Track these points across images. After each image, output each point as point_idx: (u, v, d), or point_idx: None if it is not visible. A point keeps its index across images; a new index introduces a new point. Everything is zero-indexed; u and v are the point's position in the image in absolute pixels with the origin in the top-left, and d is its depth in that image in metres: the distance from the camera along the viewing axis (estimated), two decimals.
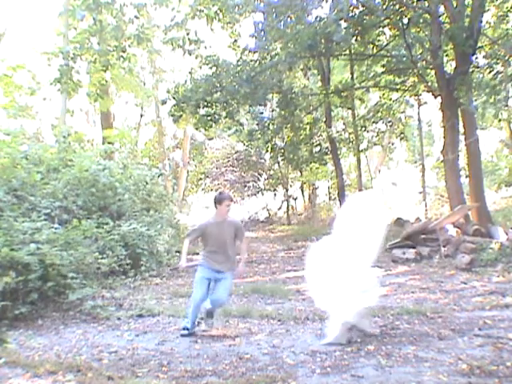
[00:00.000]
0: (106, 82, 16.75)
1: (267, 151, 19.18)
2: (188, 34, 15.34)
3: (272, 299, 6.56)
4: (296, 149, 17.90)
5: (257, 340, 4.96)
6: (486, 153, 23.49)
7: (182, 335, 5.13)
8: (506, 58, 12.22)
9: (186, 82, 15.49)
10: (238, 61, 15.23)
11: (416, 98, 17.83)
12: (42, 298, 6.13)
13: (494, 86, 11.57)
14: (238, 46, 16.10)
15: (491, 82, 11.77)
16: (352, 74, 16.48)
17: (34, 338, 5.03)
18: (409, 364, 4.03)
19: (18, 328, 5.39)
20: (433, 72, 13.44)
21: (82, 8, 14.10)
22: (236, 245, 5.41)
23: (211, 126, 16.83)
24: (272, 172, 23.32)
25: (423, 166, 20.78)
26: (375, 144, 20.20)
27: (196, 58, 15.74)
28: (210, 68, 15.02)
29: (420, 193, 21.27)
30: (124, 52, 14.91)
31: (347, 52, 15.26)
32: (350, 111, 18.38)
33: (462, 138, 13.44)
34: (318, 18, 12.73)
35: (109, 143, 14.71)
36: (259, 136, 17.70)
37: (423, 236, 11.01)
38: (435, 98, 13.34)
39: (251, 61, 14.89)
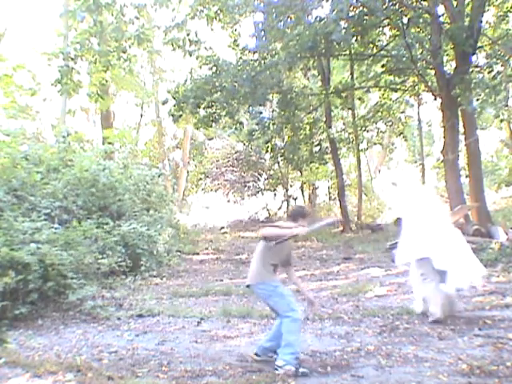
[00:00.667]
0: (107, 81, 16.75)
1: (267, 151, 19.18)
2: (188, 35, 15.33)
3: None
4: (296, 149, 17.90)
5: (257, 340, 4.96)
6: (486, 153, 23.51)
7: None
8: (506, 58, 12.21)
9: (185, 81, 15.49)
10: (237, 61, 15.22)
11: (416, 98, 17.83)
12: (42, 297, 6.13)
13: (494, 86, 11.56)
14: (238, 46, 16.09)
15: (491, 82, 11.76)
16: (352, 73, 16.49)
17: (33, 338, 5.03)
18: (409, 364, 4.03)
19: (17, 328, 5.39)
20: (433, 72, 13.44)
21: (83, 9, 14.09)
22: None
23: (211, 126, 16.83)
24: (272, 172, 23.31)
25: (423, 166, 20.78)
26: (375, 144, 20.21)
27: (196, 58, 15.73)
28: (210, 68, 15.01)
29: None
30: (124, 52, 14.90)
31: (347, 52, 15.26)
32: (349, 111, 18.38)
33: (462, 138, 13.45)
34: (318, 18, 12.72)
35: (109, 143, 14.71)
36: (259, 136, 17.70)
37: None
38: (435, 98, 13.34)
39: (251, 61, 14.88)
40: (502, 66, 12.43)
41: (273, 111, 18.33)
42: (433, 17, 12.22)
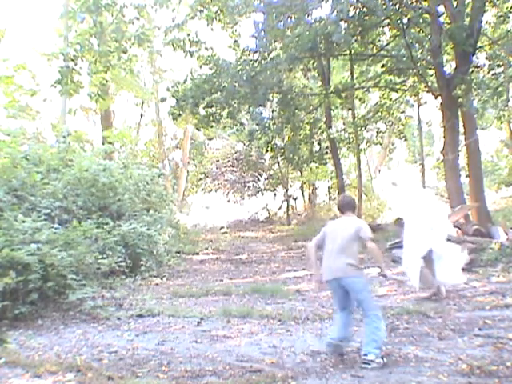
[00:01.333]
0: (107, 81, 16.76)
1: (267, 151, 19.18)
2: (189, 35, 15.35)
3: (272, 299, 6.57)
4: (296, 148, 17.90)
5: (257, 340, 4.96)
6: (486, 153, 23.51)
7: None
8: (506, 57, 12.20)
9: (185, 80, 15.48)
10: (237, 61, 15.21)
11: (416, 98, 17.82)
12: (42, 298, 6.13)
13: (496, 87, 11.56)
14: (238, 46, 16.09)
15: (493, 84, 11.75)
16: (352, 73, 16.48)
17: (34, 338, 5.03)
18: (409, 364, 4.03)
19: (18, 328, 5.39)
20: (433, 72, 13.44)
21: (82, 10, 14.10)
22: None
23: (212, 126, 16.82)
24: (272, 172, 23.31)
25: (423, 165, 20.77)
26: (375, 143, 20.20)
27: (197, 59, 15.75)
28: (210, 68, 15.02)
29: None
30: (125, 53, 14.92)
31: (347, 52, 15.26)
32: (349, 111, 18.38)
33: (462, 138, 13.44)
34: (318, 19, 12.73)
35: (109, 143, 14.72)
36: (260, 137, 17.71)
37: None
38: (435, 98, 13.33)
39: (251, 61, 14.88)
40: (502, 66, 12.42)
41: (273, 111, 18.33)
42: (433, 17, 12.21)
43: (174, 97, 15.10)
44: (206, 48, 15.65)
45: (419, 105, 18.84)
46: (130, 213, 10.46)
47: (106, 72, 14.96)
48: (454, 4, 12.25)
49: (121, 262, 8.31)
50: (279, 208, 23.68)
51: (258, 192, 23.68)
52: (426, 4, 12.69)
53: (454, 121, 12.27)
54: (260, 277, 9.45)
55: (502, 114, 14.82)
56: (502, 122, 18.28)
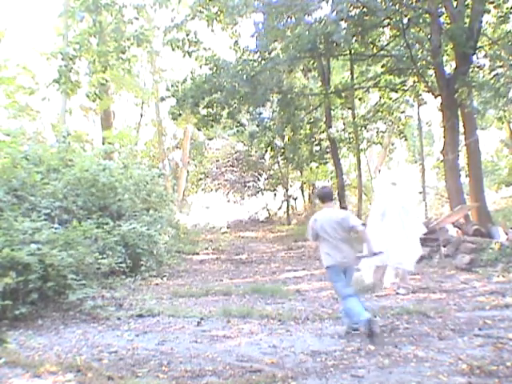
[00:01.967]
0: (106, 81, 16.76)
1: (267, 150, 19.20)
2: (188, 36, 15.35)
3: (272, 299, 6.57)
4: (296, 148, 17.91)
5: (257, 340, 4.96)
6: (486, 153, 23.52)
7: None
8: (507, 58, 12.20)
9: (185, 80, 15.49)
10: (237, 61, 15.22)
11: (416, 98, 17.83)
12: (42, 298, 6.13)
13: (498, 88, 11.55)
14: (239, 47, 16.10)
15: (495, 85, 11.74)
16: (352, 73, 16.49)
17: (33, 338, 5.03)
18: (409, 364, 4.03)
19: (18, 328, 5.39)
20: (433, 72, 13.44)
21: (82, 9, 14.11)
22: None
23: (212, 126, 16.83)
24: (272, 172, 23.32)
25: (423, 165, 20.77)
26: (375, 143, 20.20)
27: (196, 59, 15.75)
28: (210, 68, 15.02)
29: (420, 193, 21.26)
30: (124, 53, 14.92)
31: (347, 52, 15.26)
32: (349, 111, 18.38)
33: (462, 138, 13.44)
34: (318, 19, 12.72)
35: (109, 143, 14.72)
36: (260, 138, 17.72)
37: (423, 236, 11.00)
38: (435, 98, 13.34)
39: (251, 61, 14.88)
40: (502, 66, 12.42)
41: (273, 112, 18.34)
42: (433, 17, 12.22)
43: (173, 96, 15.11)
44: (205, 48, 15.67)
45: (419, 105, 18.84)
46: (130, 213, 10.45)
47: (104, 72, 14.96)
48: (454, 4, 12.25)
49: (121, 262, 8.29)
50: (279, 208, 23.70)
51: (258, 192, 23.69)
52: (425, 4, 12.69)
53: (454, 121, 12.27)
54: (260, 277, 9.45)
55: (503, 114, 14.83)
56: (503, 123, 18.29)
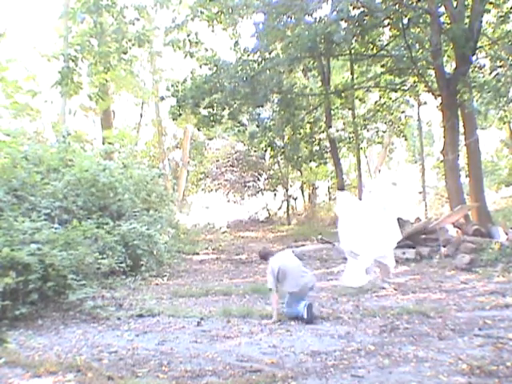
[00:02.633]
0: (107, 81, 16.76)
1: (266, 150, 19.21)
2: (189, 36, 15.35)
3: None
4: (296, 147, 17.90)
5: (257, 340, 4.96)
6: (486, 153, 23.53)
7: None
8: (507, 58, 12.21)
9: (185, 80, 15.48)
10: (237, 61, 15.21)
11: (416, 98, 17.84)
12: (42, 298, 6.13)
13: (498, 88, 11.56)
14: (239, 48, 16.09)
15: (495, 84, 11.75)
16: (352, 73, 16.49)
17: (33, 338, 5.03)
18: (409, 364, 4.03)
19: (18, 328, 5.39)
20: (433, 72, 13.44)
21: (83, 10, 14.10)
22: None
23: (213, 127, 16.82)
24: (272, 172, 23.32)
25: (423, 165, 20.78)
26: (375, 143, 20.21)
27: (197, 60, 15.75)
28: (210, 68, 15.01)
29: (420, 193, 21.27)
30: (125, 54, 14.92)
31: (347, 52, 15.26)
32: (349, 111, 18.39)
33: (462, 138, 13.45)
34: (318, 19, 12.73)
35: (109, 143, 14.72)
36: (260, 139, 17.71)
37: (423, 236, 11.02)
38: (435, 98, 13.34)
39: (251, 61, 14.88)
40: (502, 66, 12.43)
41: (273, 111, 18.34)
42: (433, 17, 12.22)
43: (173, 96, 15.10)
44: (206, 49, 15.66)
45: (419, 105, 18.85)
46: (130, 213, 10.45)
47: (106, 73, 14.97)
48: (454, 4, 12.25)
49: (121, 262, 8.30)
50: (279, 208, 23.70)
51: (258, 192, 23.69)
52: (425, 4, 12.69)
53: (454, 121, 12.27)
54: (260, 277, 9.43)
55: (503, 114, 14.84)
56: (504, 123, 18.31)
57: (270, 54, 14.93)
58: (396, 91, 17.01)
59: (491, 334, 4.79)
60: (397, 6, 12.45)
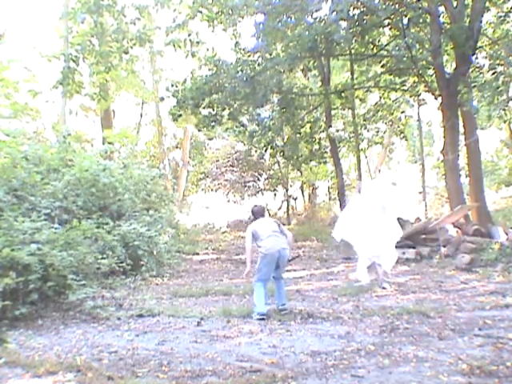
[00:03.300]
0: (107, 81, 16.76)
1: (266, 149, 19.20)
2: (190, 36, 15.35)
3: (272, 299, 6.56)
4: (296, 147, 17.91)
5: (257, 340, 4.96)
6: (486, 153, 23.53)
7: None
8: (507, 57, 12.21)
9: (185, 80, 15.48)
10: (237, 61, 15.22)
11: (416, 98, 17.85)
12: (42, 298, 6.12)
13: (497, 87, 11.57)
14: (240, 48, 16.10)
15: (494, 84, 11.76)
16: (352, 73, 16.49)
17: (34, 338, 5.03)
18: (409, 364, 4.03)
19: (18, 328, 5.38)
20: (433, 72, 13.44)
21: (83, 11, 14.11)
22: None
23: (213, 127, 16.81)
24: (272, 172, 23.31)
25: (423, 165, 20.78)
26: (375, 143, 20.21)
27: (198, 59, 15.75)
28: (210, 69, 15.01)
29: (420, 193, 21.28)
30: (126, 53, 14.93)
31: (347, 52, 15.26)
32: (349, 110, 18.39)
33: (462, 138, 13.45)
34: (318, 19, 12.73)
35: (109, 143, 14.72)
36: (260, 138, 17.71)
37: (423, 236, 11.02)
38: (435, 98, 13.35)
39: (251, 61, 14.88)
40: (502, 65, 12.43)
41: (273, 111, 18.34)
42: (433, 17, 12.22)
43: (174, 96, 15.10)
44: (207, 48, 15.66)
45: (419, 105, 18.86)
46: (130, 213, 10.45)
47: (107, 72, 14.98)
48: (454, 4, 12.26)
49: (121, 262, 8.29)
50: (279, 208, 23.69)
51: (258, 192, 23.68)
52: (425, 4, 12.69)
53: (454, 121, 12.28)
54: None
55: (503, 113, 14.84)
56: (505, 122, 18.30)
57: (270, 54, 14.92)
58: (396, 91, 17.01)
59: (491, 333, 4.79)
60: (397, 5, 12.44)
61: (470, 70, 12.36)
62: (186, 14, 15.64)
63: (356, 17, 12.50)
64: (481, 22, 12.18)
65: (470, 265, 8.98)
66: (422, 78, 13.53)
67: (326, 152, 18.61)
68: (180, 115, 15.45)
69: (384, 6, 12.17)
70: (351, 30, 12.64)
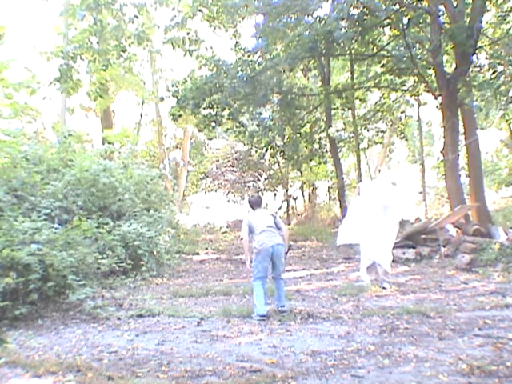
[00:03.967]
0: (106, 81, 16.74)
1: (267, 150, 19.20)
2: (188, 34, 15.34)
3: (272, 299, 6.56)
4: (296, 147, 17.90)
5: (257, 340, 4.96)
6: (486, 153, 23.54)
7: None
8: (507, 58, 12.21)
9: (185, 80, 15.47)
10: (237, 61, 15.21)
11: (416, 98, 17.84)
12: (42, 298, 6.13)
13: (498, 86, 11.56)
14: (241, 49, 16.09)
15: (495, 83, 11.75)
16: (352, 73, 16.49)
17: (34, 338, 5.03)
18: (409, 364, 4.03)
19: (18, 328, 5.39)
20: (433, 72, 13.43)
21: (82, 8, 14.11)
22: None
23: (213, 127, 16.80)
24: (272, 172, 23.30)
25: (423, 165, 20.78)
26: (376, 143, 20.20)
27: (196, 58, 15.73)
28: (210, 70, 15.00)
29: (420, 193, 21.28)
30: (124, 52, 14.92)
31: (347, 52, 15.25)
32: (350, 110, 18.38)
33: (462, 138, 13.44)
34: (318, 19, 12.71)
35: (109, 143, 14.72)
36: (260, 138, 17.70)
37: (423, 236, 11.02)
38: (435, 98, 13.35)
39: (251, 61, 14.87)
40: (502, 65, 12.43)
41: (273, 111, 18.33)
42: (433, 17, 12.22)
43: (174, 96, 15.10)
44: (206, 47, 15.65)
45: (419, 105, 18.85)
46: (130, 213, 10.45)
47: (105, 70, 14.96)
48: (454, 4, 12.25)
49: (121, 262, 8.30)
50: (279, 208, 23.67)
51: (258, 192, 23.65)
52: (425, 4, 12.69)
53: (454, 121, 12.27)
54: None
55: (507, 112, 14.85)
56: (507, 121, 18.31)
57: (270, 54, 14.92)
58: (396, 91, 17.00)
59: (491, 334, 4.79)
60: (397, 5, 12.44)
61: (470, 70, 12.36)
62: (185, 12, 15.64)
63: (356, 17, 12.49)
64: (481, 21, 12.18)
65: (470, 265, 8.98)
66: (422, 77, 13.52)
67: (326, 152, 18.61)
68: (180, 115, 15.44)
69: (384, 6, 12.16)
70: (351, 30, 12.63)
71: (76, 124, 21.16)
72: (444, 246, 10.35)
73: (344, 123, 20.12)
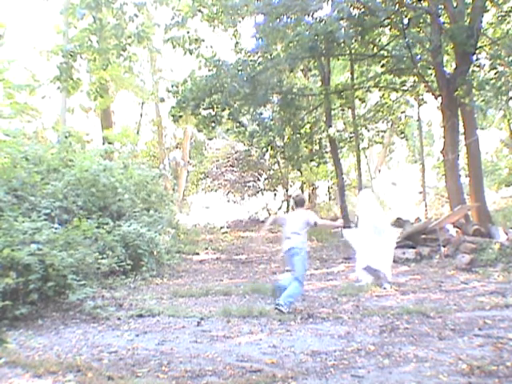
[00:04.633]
0: (106, 81, 16.74)
1: (267, 150, 19.21)
2: (188, 33, 15.33)
3: (272, 299, 6.57)
4: (296, 147, 17.90)
5: (257, 340, 4.96)
6: (486, 153, 23.53)
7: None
8: (507, 58, 12.21)
9: (185, 81, 15.47)
10: (237, 61, 15.21)
11: (416, 98, 17.84)
12: (42, 298, 6.13)
13: (499, 86, 11.56)
14: (240, 48, 16.09)
15: (496, 83, 11.75)
16: (352, 73, 16.48)
17: (34, 338, 5.03)
18: (409, 364, 4.03)
19: (18, 328, 5.39)
20: (433, 72, 13.44)
21: (82, 6, 14.11)
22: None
23: (214, 128, 16.80)
24: (272, 172, 23.29)
25: (423, 165, 20.78)
26: (376, 142, 20.20)
27: (197, 57, 15.72)
28: (210, 70, 15.00)
29: (420, 193, 21.27)
30: (124, 51, 14.91)
31: (347, 52, 15.25)
32: (350, 110, 18.38)
33: (462, 138, 13.44)
34: (318, 19, 12.72)
35: (109, 143, 14.72)
36: (260, 138, 17.71)
37: (423, 236, 11.02)
38: (435, 98, 13.35)
39: (251, 61, 14.87)
40: (502, 65, 12.43)
41: (273, 111, 18.33)
42: (433, 17, 12.22)
43: (174, 97, 15.09)
44: (206, 46, 15.63)
45: (419, 105, 18.85)
46: (130, 213, 10.45)
47: (104, 69, 14.94)
48: (454, 4, 12.25)
49: (121, 262, 8.30)
50: (279, 208, 23.67)
51: (258, 192, 23.66)
52: (425, 4, 12.69)
53: (454, 121, 12.27)
54: (260, 277, 9.44)
55: (509, 112, 14.85)
56: (509, 120, 18.30)
57: (270, 54, 14.92)
58: (396, 91, 17.00)
59: (491, 333, 4.80)
60: (397, 5, 12.44)
61: (470, 70, 12.35)
62: (185, 12, 15.63)
63: (356, 17, 12.50)
64: (481, 21, 12.18)
65: (470, 265, 8.98)
66: (422, 77, 13.52)
67: (326, 152, 18.61)
68: (181, 116, 15.43)
69: (384, 6, 12.16)
70: (351, 30, 12.63)
71: (76, 124, 21.14)
72: (444, 246, 10.34)
73: (344, 123, 20.11)
